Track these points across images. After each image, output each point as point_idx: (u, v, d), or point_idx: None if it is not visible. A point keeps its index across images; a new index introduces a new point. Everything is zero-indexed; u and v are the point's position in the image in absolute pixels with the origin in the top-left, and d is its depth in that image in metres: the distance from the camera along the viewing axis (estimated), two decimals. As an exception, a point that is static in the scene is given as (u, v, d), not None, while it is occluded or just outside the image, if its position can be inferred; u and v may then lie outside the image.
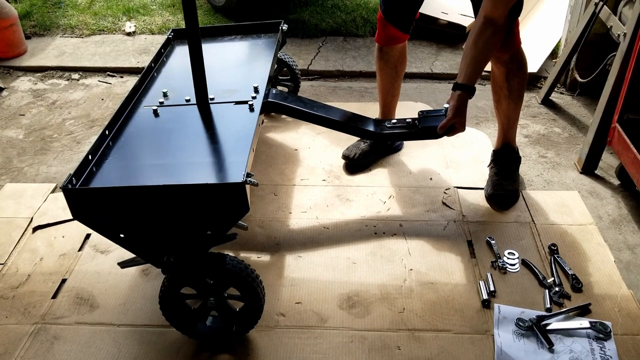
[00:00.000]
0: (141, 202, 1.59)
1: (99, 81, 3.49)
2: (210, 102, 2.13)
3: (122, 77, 3.54)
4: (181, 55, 2.55)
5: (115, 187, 1.66)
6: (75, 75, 3.55)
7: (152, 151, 1.91)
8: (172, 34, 2.67)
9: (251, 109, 2.07)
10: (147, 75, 2.33)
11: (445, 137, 2.66)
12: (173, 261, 1.71)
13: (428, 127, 2.14)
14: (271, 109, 2.24)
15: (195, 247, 1.69)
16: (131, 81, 3.48)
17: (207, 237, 1.66)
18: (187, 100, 2.14)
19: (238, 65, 2.47)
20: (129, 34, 3.98)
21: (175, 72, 2.39)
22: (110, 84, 3.47)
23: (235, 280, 1.71)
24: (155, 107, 2.10)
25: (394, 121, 2.25)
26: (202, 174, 1.77)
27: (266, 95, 2.18)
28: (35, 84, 3.47)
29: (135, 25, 4.04)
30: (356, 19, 3.95)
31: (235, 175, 1.70)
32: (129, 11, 4.23)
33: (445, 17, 3.70)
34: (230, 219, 1.63)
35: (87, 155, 1.78)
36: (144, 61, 3.61)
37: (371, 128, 2.24)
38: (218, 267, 1.70)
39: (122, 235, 1.67)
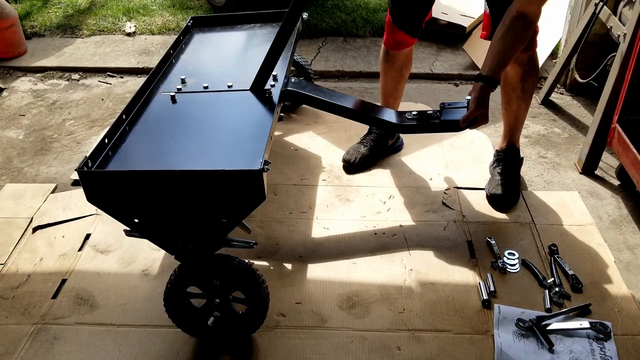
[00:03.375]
0: (157, 187, 1.57)
1: (99, 81, 3.49)
2: (228, 89, 2.11)
3: (122, 77, 3.54)
4: (200, 43, 2.53)
5: (132, 170, 1.63)
6: (76, 76, 3.55)
7: (169, 137, 1.89)
8: (191, 21, 2.65)
9: (270, 97, 2.06)
10: (165, 62, 2.32)
11: (445, 138, 2.67)
12: (190, 249, 1.69)
13: (450, 120, 2.07)
14: (290, 98, 2.22)
15: (209, 235, 1.67)
16: (131, 81, 3.48)
17: (221, 225, 1.64)
18: (205, 87, 2.13)
19: (257, 53, 2.44)
20: (129, 34, 3.98)
21: (193, 60, 2.37)
22: (111, 84, 3.47)
23: (243, 283, 1.71)
24: (173, 94, 2.09)
25: (415, 113, 2.18)
26: (219, 160, 1.76)
27: (285, 84, 2.16)
28: (36, 84, 3.47)
29: (135, 26, 4.04)
30: (356, 20, 3.95)
31: (253, 162, 1.67)
32: (129, 11, 4.23)
33: (445, 18, 3.70)
34: (246, 207, 1.61)
35: (103, 139, 1.77)
36: (144, 61, 3.62)
37: (392, 119, 2.19)
38: (226, 269, 1.69)
39: (136, 220, 1.65)
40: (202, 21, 2.68)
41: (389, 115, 2.22)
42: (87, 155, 1.66)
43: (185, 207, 1.62)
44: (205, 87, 2.13)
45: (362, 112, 2.20)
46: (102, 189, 1.59)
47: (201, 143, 1.84)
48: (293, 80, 2.24)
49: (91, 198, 1.61)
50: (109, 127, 1.83)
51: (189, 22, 2.63)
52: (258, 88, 2.08)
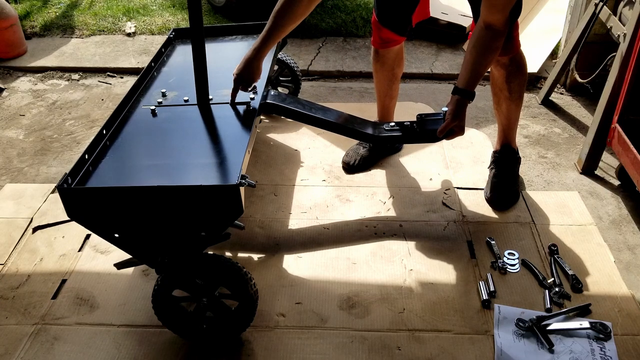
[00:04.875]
0: (136, 202, 1.59)
1: (99, 81, 3.49)
2: (209, 102, 2.13)
3: (122, 77, 3.54)
4: (182, 55, 2.55)
5: (110, 187, 1.66)
6: (76, 76, 3.55)
7: (149, 151, 1.91)
8: (173, 33, 2.67)
9: (249, 109, 2.07)
10: (146, 75, 2.33)
11: (445, 138, 2.66)
12: (167, 262, 1.71)
13: (426, 130, 2.14)
14: (269, 111, 2.24)
15: (190, 248, 1.69)
16: (131, 82, 3.47)
17: (201, 238, 1.66)
18: (186, 101, 2.14)
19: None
20: (129, 34, 3.98)
21: (175, 72, 2.39)
22: (111, 84, 3.47)
23: (229, 281, 1.71)
24: (153, 107, 2.10)
25: (392, 124, 2.25)
26: (197, 175, 1.77)
27: (264, 97, 2.18)
28: (36, 84, 3.47)
29: (135, 26, 4.04)
30: (356, 19, 3.95)
31: (230, 177, 1.70)
32: (129, 12, 4.23)
33: (445, 18, 3.70)
34: (224, 220, 1.63)
35: (83, 155, 1.78)
36: (144, 62, 3.61)
37: (369, 131, 2.23)
38: (213, 267, 1.70)
39: (116, 235, 1.67)
40: (184, 33, 2.70)
41: (367, 127, 2.26)
42: (67, 172, 1.68)
43: (164, 222, 1.64)
44: (186, 100, 2.14)
45: (341, 125, 2.23)
46: (82, 205, 1.61)
47: (180, 158, 1.86)
48: (272, 92, 2.26)
49: (71, 214, 1.62)
50: (88, 144, 1.84)
51: (170, 34, 2.65)
52: (203, 103, 2.11)
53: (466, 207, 2.37)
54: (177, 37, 2.68)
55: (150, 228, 1.67)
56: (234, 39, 2.66)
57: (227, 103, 2.12)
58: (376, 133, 2.23)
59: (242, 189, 1.57)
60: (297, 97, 2.43)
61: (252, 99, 2.12)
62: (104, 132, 1.94)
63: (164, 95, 2.19)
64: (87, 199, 1.60)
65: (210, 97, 2.13)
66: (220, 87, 2.21)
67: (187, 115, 2.08)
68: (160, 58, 2.49)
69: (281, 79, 2.92)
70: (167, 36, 2.65)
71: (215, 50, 2.56)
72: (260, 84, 2.19)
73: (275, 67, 2.85)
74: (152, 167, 1.82)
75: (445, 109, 2.04)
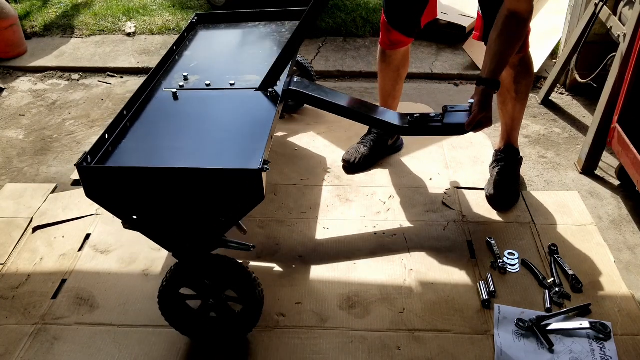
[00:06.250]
0: (156, 184, 1.57)
1: (99, 81, 3.49)
2: (230, 87, 2.11)
3: (122, 77, 3.54)
4: (204, 40, 2.52)
5: (130, 167, 1.64)
6: (75, 76, 3.55)
7: (170, 134, 1.88)
8: (196, 18, 2.65)
9: (272, 96, 2.05)
10: (168, 58, 2.31)
11: (445, 138, 2.66)
12: (187, 247, 1.69)
13: (452, 123, 2.07)
14: (292, 97, 2.20)
15: (208, 234, 1.67)
16: (131, 81, 3.48)
17: (219, 224, 1.64)
18: (208, 85, 2.12)
19: (261, 51, 2.43)
20: (129, 34, 3.98)
21: (197, 57, 2.36)
22: (111, 84, 3.47)
23: (238, 284, 1.70)
24: (175, 90, 2.08)
25: (417, 115, 2.15)
26: (219, 159, 1.75)
27: (287, 83, 2.14)
28: (36, 84, 3.47)
29: (135, 26, 4.04)
30: (356, 19, 3.95)
31: (253, 161, 1.66)
32: (129, 11, 4.23)
33: (445, 18, 3.70)
34: (244, 206, 1.61)
35: (103, 135, 1.76)
36: (144, 61, 3.62)
37: (395, 121, 2.16)
38: (222, 269, 1.70)
39: (134, 217, 1.65)
40: (206, 18, 2.68)
41: (391, 117, 2.20)
42: (87, 150, 1.66)
43: (183, 205, 1.62)
44: (208, 85, 2.12)
45: (364, 114, 2.19)
46: (101, 185, 1.59)
47: (201, 141, 1.83)
48: (295, 79, 2.23)
49: (90, 194, 1.61)
50: (109, 124, 1.82)
51: (193, 19, 2.63)
52: (266, 88, 2.08)
53: (466, 207, 2.37)
54: (199, 22, 2.65)
55: (169, 211, 1.64)
56: (257, 25, 2.62)
57: (250, 89, 2.09)
58: (401, 124, 2.15)
59: (264, 174, 1.55)
60: (320, 85, 2.39)
61: (275, 85, 2.10)
62: (125, 113, 1.91)
63: (185, 79, 2.17)
64: (106, 179, 1.58)
65: (232, 82, 2.11)
66: (243, 73, 2.18)
67: (209, 99, 2.06)
68: (183, 42, 2.46)
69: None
70: (190, 20, 2.61)
71: (239, 35, 2.53)
72: (283, 71, 2.17)
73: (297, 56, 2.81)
74: (173, 149, 1.79)
75: (471, 101, 1.99)
